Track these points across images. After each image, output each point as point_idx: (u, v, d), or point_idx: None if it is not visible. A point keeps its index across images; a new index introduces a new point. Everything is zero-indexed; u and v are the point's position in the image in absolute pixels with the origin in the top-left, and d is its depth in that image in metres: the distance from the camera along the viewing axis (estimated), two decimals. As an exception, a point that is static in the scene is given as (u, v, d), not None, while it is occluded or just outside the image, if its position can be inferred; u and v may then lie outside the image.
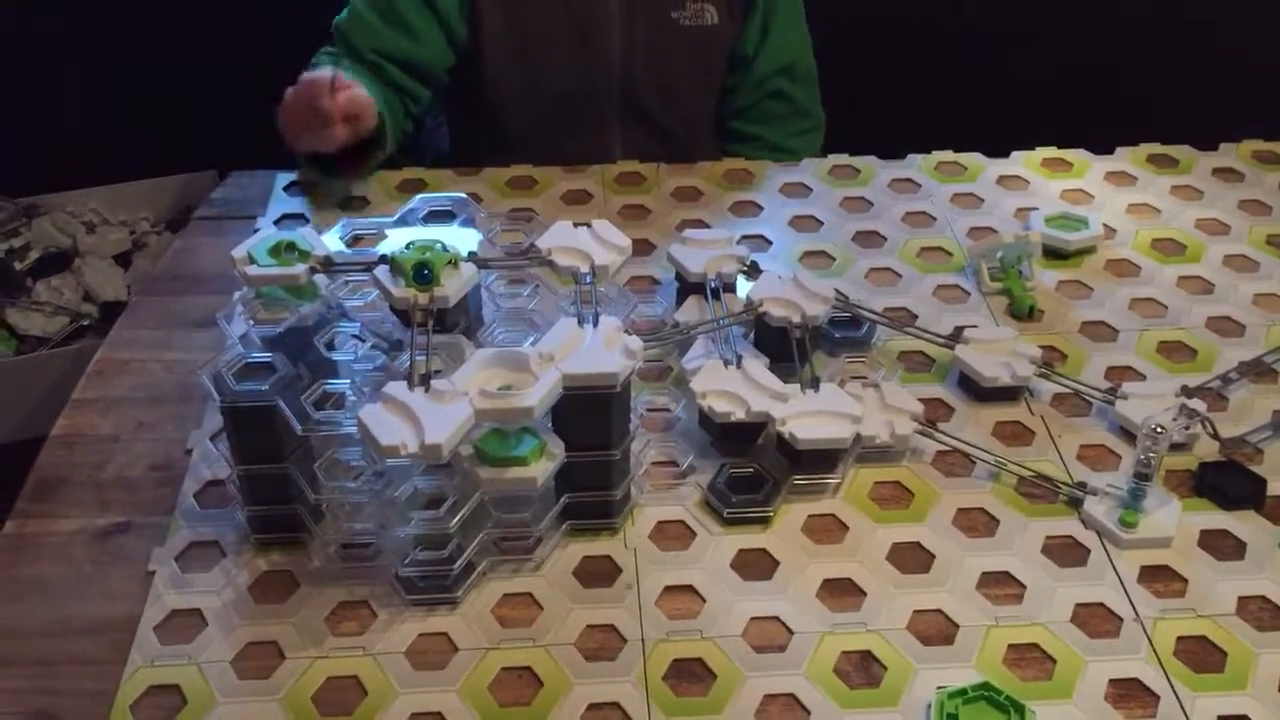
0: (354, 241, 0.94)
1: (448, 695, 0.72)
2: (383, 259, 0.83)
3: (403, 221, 0.95)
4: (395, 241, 0.85)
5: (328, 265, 0.84)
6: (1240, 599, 0.79)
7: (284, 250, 0.84)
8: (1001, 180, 1.22)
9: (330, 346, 0.82)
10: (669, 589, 0.79)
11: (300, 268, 0.83)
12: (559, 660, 0.74)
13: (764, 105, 1.40)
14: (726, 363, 0.90)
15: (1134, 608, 0.78)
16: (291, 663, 0.74)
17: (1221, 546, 0.83)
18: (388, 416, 0.72)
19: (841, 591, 0.79)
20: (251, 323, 0.83)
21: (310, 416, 0.75)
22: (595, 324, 0.79)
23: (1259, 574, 0.81)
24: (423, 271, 0.80)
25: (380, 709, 0.72)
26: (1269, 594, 0.79)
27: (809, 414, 0.86)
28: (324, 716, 0.71)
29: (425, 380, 0.74)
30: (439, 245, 0.83)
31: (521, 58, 1.30)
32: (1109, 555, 0.82)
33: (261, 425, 0.76)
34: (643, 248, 1.11)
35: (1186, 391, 0.92)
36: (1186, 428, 0.88)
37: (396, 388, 0.74)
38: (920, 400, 0.91)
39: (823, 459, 0.86)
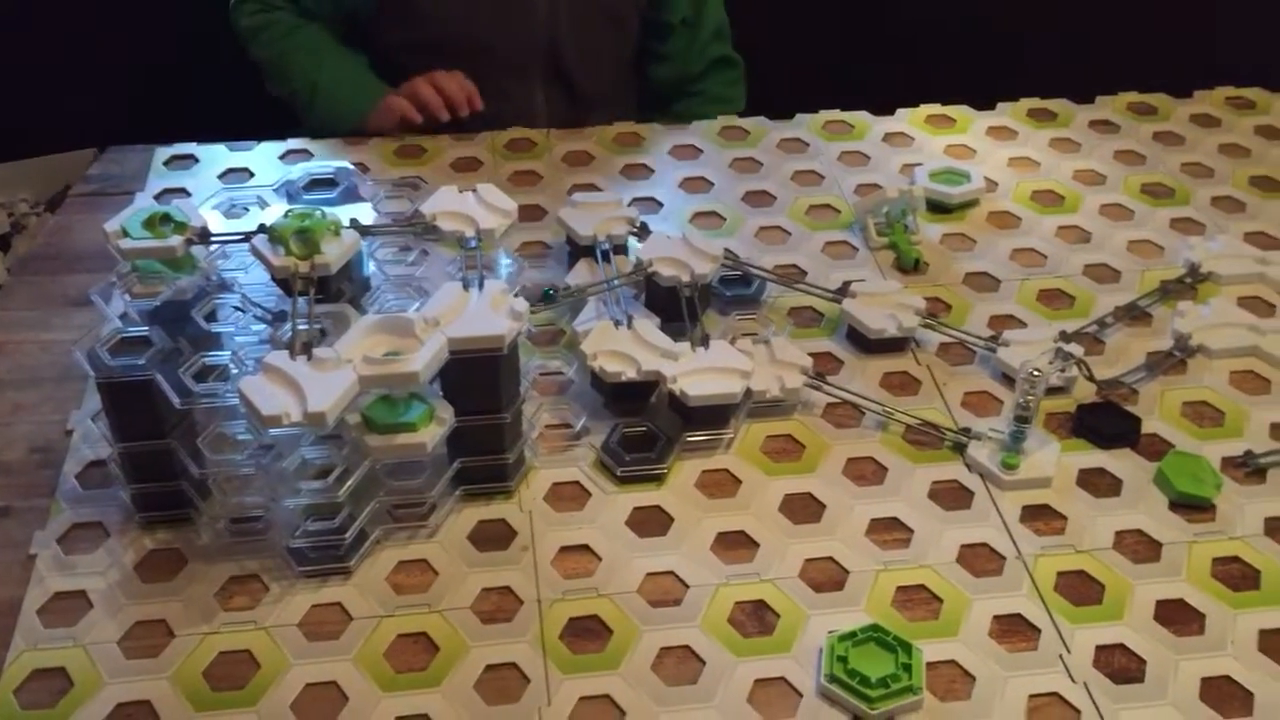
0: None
1: (342, 664, 0.72)
2: (261, 228, 0.81)
3: (284, 192, 0.93)
4: (274, 211, 0.83)
5: (204, 236, 0.83)
6: (1117, 533, 0.82)
7: (159, 222, 0.82)
8: (888, 137, 1.24)
9: (210, 318, 0.80)
10: (565, 549, 0.80)
11: (175, 240, 0.81)
12: (455, 624, 0.74)
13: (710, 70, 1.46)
14: (617, 323, 0.90)
15: (1016, 546, 0.80)
16: (181, 640, 0.73)
17: (1099, 484, 0.86)
18: (269, 386, 0.71)
19: (735, 544, 0.80)
20: (128, 297, 0.81)
21: (190, 390, 0.73)
22: (481, 288, 0.79)
23: (1134, 509, 0.83)
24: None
25: (274, 681, 0.71)
26: (1144, 528, 0.82)
27: (700, 371, 0.86)
28: (216, 691, 0.70)
29: (307, 349, 0.73)
30: (319, 212, 0.82)
31: (448, 9, 1.30)
32: (992, 497, 0.84)
33: (140, 401, 0.74)
34: (534, 213, 1.10)
35: (1064, 337, 0.95)
36: (1063, 370, 0.91)
37: (278, 357, 0.72)
38: (810, 354, 0.92)
39: (714, 415, 0.87)
